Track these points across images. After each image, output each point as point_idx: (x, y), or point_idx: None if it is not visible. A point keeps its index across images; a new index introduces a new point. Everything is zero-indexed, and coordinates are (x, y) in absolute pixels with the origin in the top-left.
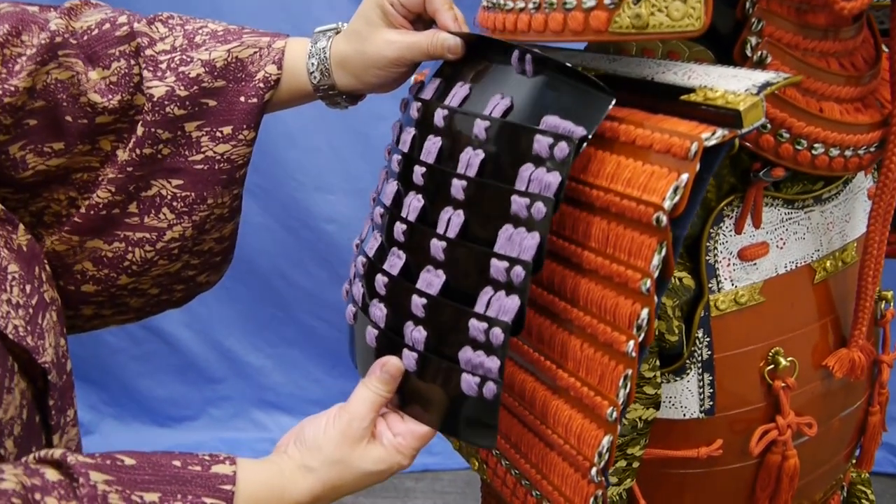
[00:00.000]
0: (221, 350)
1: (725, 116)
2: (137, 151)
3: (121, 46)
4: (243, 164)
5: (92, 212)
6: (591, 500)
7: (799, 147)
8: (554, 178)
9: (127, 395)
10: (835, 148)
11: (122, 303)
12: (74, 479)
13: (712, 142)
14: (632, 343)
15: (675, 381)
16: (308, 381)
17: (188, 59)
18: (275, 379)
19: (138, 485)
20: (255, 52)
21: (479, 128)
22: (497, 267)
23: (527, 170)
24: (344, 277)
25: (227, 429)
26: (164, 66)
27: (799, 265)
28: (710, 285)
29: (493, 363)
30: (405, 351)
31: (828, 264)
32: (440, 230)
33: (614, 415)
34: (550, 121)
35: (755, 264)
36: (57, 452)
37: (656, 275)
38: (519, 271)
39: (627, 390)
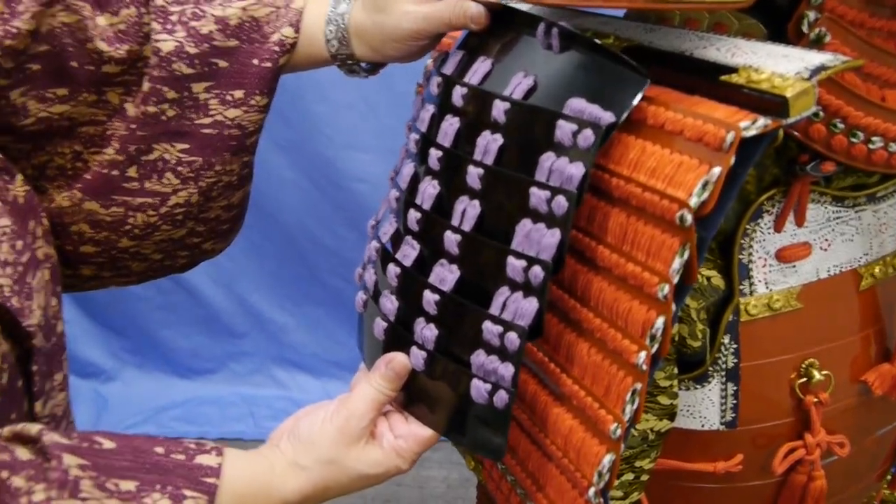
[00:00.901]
0: (245, 305)
1: (770, 103)
2: (143, 108)
3: None
4: (255, 130)
5: (96, 168)
6: None
7: (854, 140)
8: (577, 170)
9: (149, 343)
10: (895, 142)
11: (123, 266)
12: (47, 460)
13: (752, 132)
14: (643, 354)
15: (696, 388)
16: (331, 342)
17: (200, 14)
18: (297, 338)
19: (115, 471)
20: (272, 12)
21: (499, 110)
22: (514, 266)
23: (548, 159)
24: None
25: (246, 384)
26: (174, 18)
27: (844, 270)
28: (741, 287)
29: (506, 370)
30: (414, 349)
31: (876, 270)
32: (455, 221)
33: (618, 432)
34: (575, 104)
35: (794, 267)
36: (34, 428)
37: (676, 280)
38: (537, 272)
39: (635, 406)
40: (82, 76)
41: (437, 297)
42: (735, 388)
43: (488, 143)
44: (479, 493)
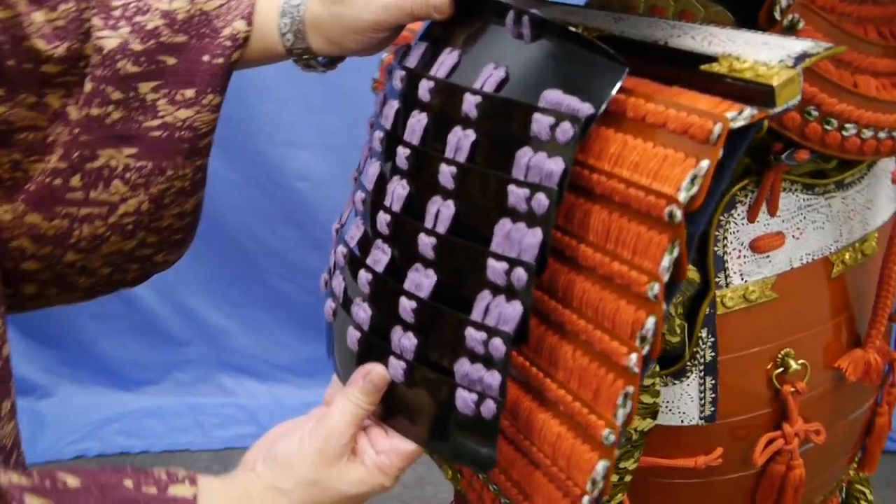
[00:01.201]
0: (186, 311)
1: (755, 92)
2: (85, 111)
3: None
4: (208, 132)
5: (39, 177)
6: None
7: (828, 127)
8: (556, 165)
9: (86, 356)
10: (868, 129)
11: (69, 282)
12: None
13: (739, 123)
14: (634, 356)
15: (674, 384)
16: (277, 345)
17: (145, 8)
18: (241, 342)
19: None
20: (223, 5)
21: (469, 104)
22: (495, 269)
23: (524, 155)
24: (315, 239)
25: (191, 393)
26: (117, 13)
27: (816, 258)
28: (717, 279)
29: (493, 379)
30: (392, 359)
31: (846, 257)
32: (428, 223)
33: (611, 438)
34: (551, 96)
35: (768, 257)
36: None
37: (666, 278)
38: (520, 274)
39: (627, 409)
40: (19, 76)
41: (413, 303)
42: (713, 381)
43: (460, 140)
44: (457, 502)
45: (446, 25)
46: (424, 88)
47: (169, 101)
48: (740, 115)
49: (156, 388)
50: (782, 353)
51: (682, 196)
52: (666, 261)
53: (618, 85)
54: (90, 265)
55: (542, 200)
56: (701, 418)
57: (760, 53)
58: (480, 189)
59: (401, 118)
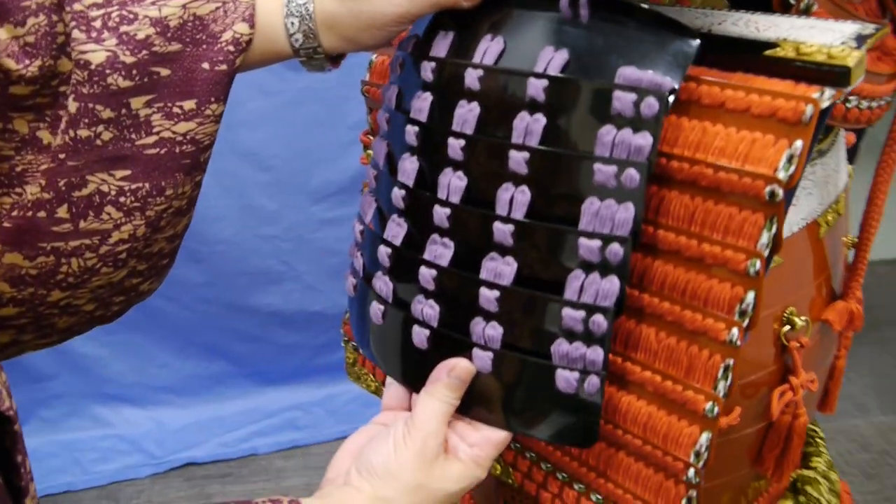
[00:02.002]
0: None
1: (830, 74)
2: (71, 133)
3: None
4: (209, 144)
5: (14, 213)
6: (684, 501)
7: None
8: (645, 140)
9: None
10: (865, 100)
11: (48, 324)
12: None
13: (825, 103)
14: (735, 330)
15: None
16: (155, 366)
17: (131, 16)
18: (116, 369)
19: None
20: (218, 8)
21: (536, 88)
22: (588, 247)
23: (608, 133)
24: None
25: (62, 430)
26: (98, 23)
27: (808, 221)
28: None
29: (595, 354)
30: (476, 350)
31: (829, 218)
32: (502, 211)
33: (715, 410)
34: (628, 73)
35: None
36: None
37: (766, 254)
38: (616, 249)
39: (728, 382)
40: None
41: (496, 292)
42: None
43: (529, 125)
44: (481, 497)
45: (468, 14)
46: (472, 77)
47: (165, 116)
48: (824, 96)
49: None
50: (787, 311)
51: (782, 175)
52: (765, 237)
53: (692, 56)
54: (76, 302)
55: (633, 175)
56: None
57: (815, 37)
58: (560, 171)
59: (438, 110)
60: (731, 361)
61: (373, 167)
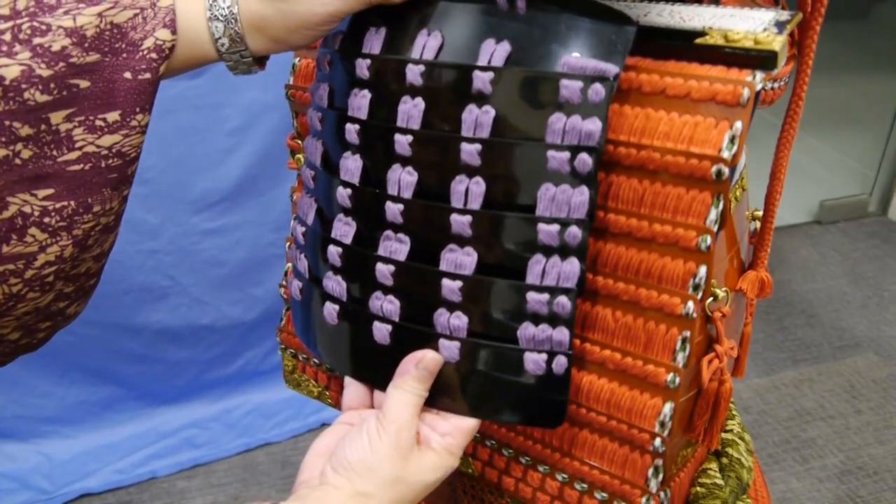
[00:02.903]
0: None
1: (757, 58)
2: None
3: None
4: (136, 156)
5: None
6: (651, 471)
7: None
8: (594, 125)
9: None
10: (770, 81)
11: None
12: None
13: (759, 85)
14: (691, 304)
15: None
16: (34, 397)
17: (44, 27)
18: None
19: None
20: (136, 15)
21: (483, 80)
22: (547, 231)
23: (558, 120)
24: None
25: None
26: (7, 36)
27: None
28: None
29: (562, 335)
30: (442, 341)
31: (737, 193)
32: (457, 203)
33: (677, 380)
34: (572, 62)
35: None
36: None
37: (715, 229)
38: (575, 231)
39: (687, 352)
40: None
41: (458, 283)
42: None
43: (478, 117)
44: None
45: (397, 10)
46: (414, 73)
47: (87, 130)
48: (757, 79)
49: None
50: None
51: (726, 154)
52: (713, 213)
53: (630, 42)
54: (0, 331)
55: (586, 159)
56: None
57: (740, 24)
58: (513, 160)
59: (379, 106)
60: (687, 333)
61: (309, 167)
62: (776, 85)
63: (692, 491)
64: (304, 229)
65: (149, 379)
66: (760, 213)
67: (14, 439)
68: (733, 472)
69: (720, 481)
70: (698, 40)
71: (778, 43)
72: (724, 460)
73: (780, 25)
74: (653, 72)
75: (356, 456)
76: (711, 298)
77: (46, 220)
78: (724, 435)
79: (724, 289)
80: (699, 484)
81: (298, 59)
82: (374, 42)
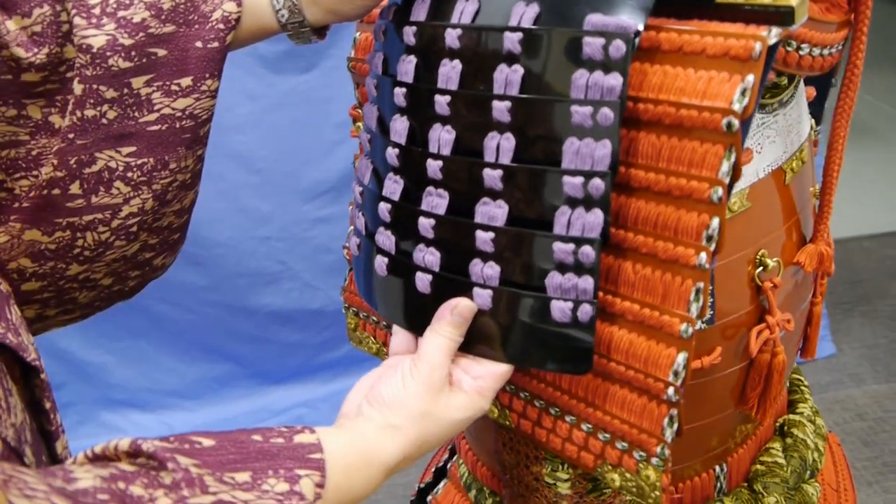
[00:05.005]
0: (56, 352)
1: (775, 15)
2: (78, 114)
3: None
4: (208, 118)
5: (31, 193)
6: (666, 420)
7: (789, 48)
8: (615, 80)
9: None
10: (816, 48)
11: (69, 298)
12: (156, 467)
13: (773, 39)
14: (703, 255)
15: None
16: (160, 372)
17: (127, 2)
18: (124, 375)
19: (226, 465)
20: None
21: (512, 41)
22: (572, 184)
23: (581, 76)
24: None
25: (74, 437)
26: (97, 10)
27: (774, 168)
28: None
29: (587, 283)
30: (476, 290)
31: (794, 165)
32: (489, 158)
33: (689, 330)
34: (595, 20)
35: (742, 171)
36: (123, 442)
37: (727, 181)
38: (598, 183)
39: (700, 303)
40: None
41: (491, 234)
42: (712, 287)
43: (508, 76)
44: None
45: None
46: (452, 37)
47: (164, 94)
48: (771, 34)
49: None
50: (759, 254)
51: (737, 107)
52: (725, 166)
53: (652, 1)
54: (94, 275)
55: (607, 113)
56: (703, 323)
57: None
58: (539, 116)
59: (422, 70)
60: (701, 284)
61: (366, 132)
62: (825, 51)
63: (752, 468)
64: (361, 189)
65: (262, 359)
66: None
67: (141, 409)
68: (797, 452)
69: (782, 461)
70: (720, 0)
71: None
72: (789, 440)
73: None
74: (672, 30)
75: (389, 391)
76: (761, 268)
77: (129, 174)
78: (791, 416)
79: (775, 259)
80: (760, 462)
81: (359, 33)
82: (421, 10)
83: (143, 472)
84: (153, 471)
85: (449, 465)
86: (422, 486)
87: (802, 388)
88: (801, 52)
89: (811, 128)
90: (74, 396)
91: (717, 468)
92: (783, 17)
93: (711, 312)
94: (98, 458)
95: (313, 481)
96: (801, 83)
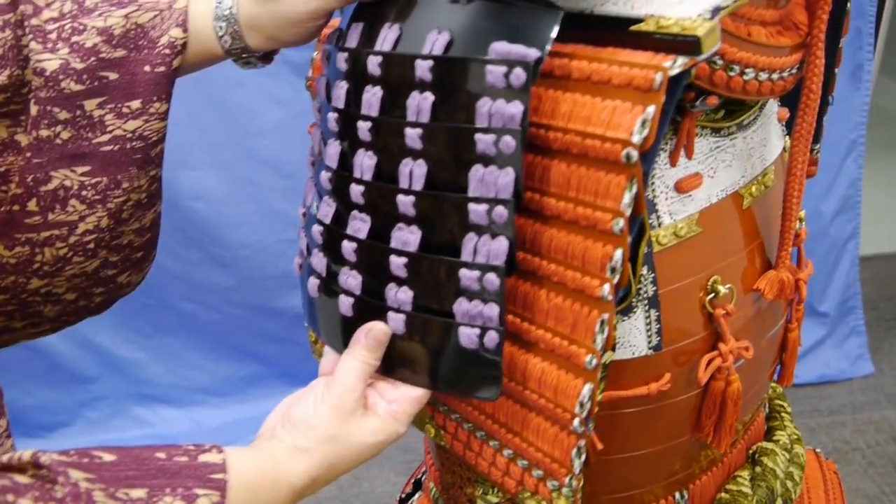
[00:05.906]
0: (91, 347)
1: (683, 44)
2: (34, 134)
3: (4, 15)
4: (158, 140)
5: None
6: (574, 451)
7: (731, 73)
8: (516, 108)
9: None
10: (763, 72)
11: (34, 311)
12: (51, 480)
13: (675, 70)
14: (607, 286)
15: (624, 320)
16: (189, 369)
17: (81, 27)
18: (154, 371)
19: (122, 481)
20: (156, 16)
21: (422, 69)
22: (476, 211)
23: (485, 104)
24: (217, 256)
25: (106, 430)
26: (53, 35)
27: (728, 192)
28: (650, 221)
29: (491, 310)
30: (390, 314)
31: (753, 189)
32: (404, 184)
33: (594, 362)
34: (499, 48)
35: (690, 196)
36: (26, 454)
37: (629, 213)
38: (501, 211)
39: (605, 335)
40: None
41: (404, 259)
42: (657, 313)
43: (419, 103)
44: (439, 461)
45: (376, 5)
46: (373, 63)
47: (116, 115)
48: (675, 64)
49: (68, 429)
50: (711, 280)
51: (636, 139)
52: (627, 197)
53: (556, 27)
54: (55, 290)
55: (509, 141)
56: (649, 348)
57: (678, 11)
58: (448, 143)
59: (352, 96)
60: (606, 316)
61: (311, 154)
62: (776, 76)
63: (717, 496)
64: (304, 210)
65: (288, 360)
66: (803, 213)
67: (170, 405)
68: (765, 482)
69: (747, 489)
70: (633, 27)
71: (703, 28)
72: (758, 469)
73: (715, 11)
74: (583, 58)
75: (300, 414)
76: (712, 295)
77: (84, 192)
78: (763, 444)
79: (727, 286)
80: (726, 490)
81: (317, 53)
82: (354, 36)
83: (38, 486)
84: (48, 483)
85: (423, 478)
86: (402, 496)
87: (783, 414)
88: (745, 77)
89: (784, 149)
90: (107, 390)
91: (678, 494)
92: (691, 46)
93: (658, 339)
94: (7, 468)
95: (211, 501)
96: (770, 104)
